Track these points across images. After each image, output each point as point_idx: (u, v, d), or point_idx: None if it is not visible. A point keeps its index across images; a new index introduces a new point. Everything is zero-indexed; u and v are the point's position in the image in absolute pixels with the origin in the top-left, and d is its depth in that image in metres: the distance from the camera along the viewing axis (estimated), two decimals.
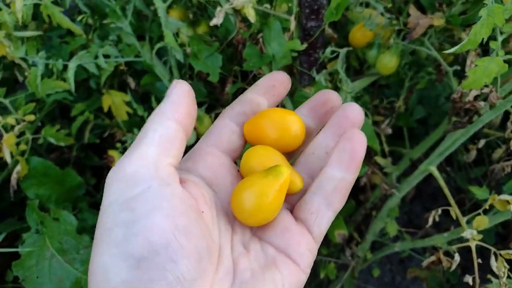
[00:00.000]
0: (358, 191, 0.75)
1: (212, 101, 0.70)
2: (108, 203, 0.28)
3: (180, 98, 0.31)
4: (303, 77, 0.56)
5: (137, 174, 0.28)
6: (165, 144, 0.30)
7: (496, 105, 0.46)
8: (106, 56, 0.67)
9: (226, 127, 0.36)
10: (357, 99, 0.69)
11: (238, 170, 0.36)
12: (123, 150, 0.70)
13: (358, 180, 0.68)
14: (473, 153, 0.71)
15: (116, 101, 0.74)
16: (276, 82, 0.37)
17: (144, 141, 0.29)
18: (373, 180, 0.73)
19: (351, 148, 0.32)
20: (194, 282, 0.26)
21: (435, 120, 0.85)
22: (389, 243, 0.68)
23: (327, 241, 0.66)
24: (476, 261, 0.46)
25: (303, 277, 0.32)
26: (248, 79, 0.61)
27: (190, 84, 0.65)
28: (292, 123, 0.34)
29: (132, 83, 0.73)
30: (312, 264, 0.33)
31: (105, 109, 0.74)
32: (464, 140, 0.54)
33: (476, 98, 0.48)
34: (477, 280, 0.45)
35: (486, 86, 0.48)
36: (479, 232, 0.51)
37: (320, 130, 0.36)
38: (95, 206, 0.86)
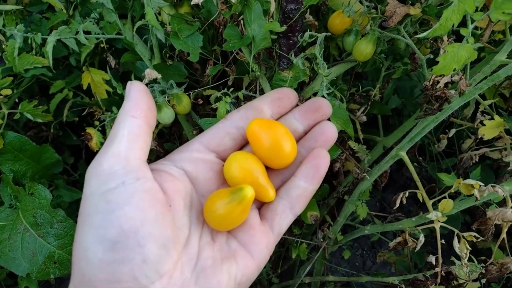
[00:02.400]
0: (332, 176, 0.77)
1: (192, 82, 0.71)
2: (89, 193, 0.32)
3: (138, 96, 0.35)
4: (282, 60, 0.56)
5: (112, 170, 0.32)
6: (133, 140, 0.34)
7: (465, 93, 0.48)
8: (87, 33, 0.67)
9: (223, 129, 0.40)
10: (333, 84, 0.71)
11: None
12: (102, 129, 0.70)
13: (332, 165, 0.69)
14: (444, 142, 0.74)
15: (95, 79, 0.74)
16: (283, 95, 0.42)
17: (116, 139, 0.34)
18: (347, 166, 0.75)
19: (317, 165, 0.38)
20: (157, 263, 0.31)
21: (409, 111, 0.87)
22: (360, 226, 0.69)
23: (300, 223, 0.68)
24: (440, 241, 0.48)
25: (257, 271, 0.37)
26: (228, 60, 0.62)
27: (170, 64, 0.65)
28: (288, 147, 0.38)
29: (112, 61, 0.73)
30: (267, 259, 0.38)
31: (84, 87, 0.74)
32: (437, 131, 0.56)
33: (446, 86, 0.49)
34: (440, 260, 0.47)
35: (457, 74, 0.50)
36: (447, 221, 0.53)
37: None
38: (73, 184, 0.86)
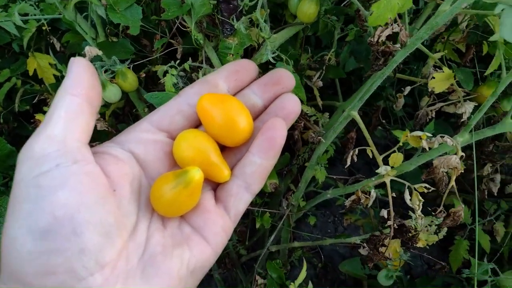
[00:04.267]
0: (294, 144, 0.77)
1: (140, 58, 0.69)
2: (19, 180, 0.29)
3: (80, 73, 0.32)
4: (225, 27, 0.55)
5: (45, 153, 0.29)
6: (71, 120, 0.31)
7: (406, 44, 0.47)
8: (25, 15, 0.64)
9: (175, 107, 0.37)
10: (283, 50, 0.70)
11: None
12: None
13: (291, 134, 0.69)
14: (401, 101, 0.74)
15: (41, 64, 0.72)
16: (241, 68, 0.39)
17: (52, 120, 0.31)
18: (306, 136, 0.75)
19: (271, 137, 0.35)
20: (98, 253, 0.29)
21: (367, 73, 0.87)
22: (323, 191, 0.70)
23: (261, 193, 0.68)
24: (391, 195, 0.48)
25: (213, 256, 0.35)
26: (172, 32, 0.60)
27: (115, 41, 0.63)
28: (242, 122, 0.35)
29: (57, 44, 0.71)
30: (225, 243, 0.36)
31: (30, 72, 0.72)
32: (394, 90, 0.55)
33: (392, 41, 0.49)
34: (392, 213, 0.48)
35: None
36: (408, 178, 0.53)
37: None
38: None
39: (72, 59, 0.33)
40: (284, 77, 0.38)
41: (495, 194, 0.74)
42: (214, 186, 0.37)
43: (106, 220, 0.30)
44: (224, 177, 0.35)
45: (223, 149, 0.38)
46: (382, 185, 0.54)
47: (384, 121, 1.00)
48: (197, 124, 0.38)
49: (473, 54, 0.79)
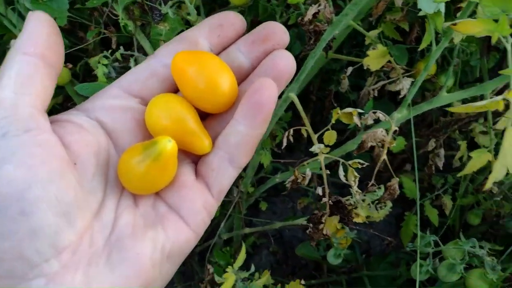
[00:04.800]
0: None
1: (78, 52, 0.67)
2: None
3: (36, 29, 0.28)
4: (154, 13, 0.54)
5: None
6: (24, 83, 0.27)
7: (332, 21, 0.47)
8: None
9: (148, 69, 0.32)
10: None
11: None
12: None
13: None
14: (345, 83, 0.74)
15: None
16: (225, 21, 0.32)
17: (0, 83, 0.26)
18: None
19: (258, 101, 0.29)
20: (55, 235, 0.25)
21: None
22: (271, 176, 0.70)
23: None
24: (325, 172, 0.48)
25: (193, 239, 0.30)
26: (103, 21, 0.59)
27: None
28: (224, 83, 0.30)
29: None
30: (208, 224, 0.31)
31: None
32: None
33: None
34: (327, 190, 0.48)
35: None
36: (358, 157, 0.53)
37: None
38: None
39: (30, 12, 0.29)
40: (276, 31, 0.32)
41: (441, 168, 0.76)
42: (195, 159, 0.33)
43: (63, 197, 0.25)
44: (204, 148, 0.31)
45: (205, 117, 0.33)
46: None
47: (335, 104, 1.01)
48: (175, 89, 0.33)
49: (418, 33, 0.80)
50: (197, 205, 0.30)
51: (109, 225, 0.28)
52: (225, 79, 0.31)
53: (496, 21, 0.35)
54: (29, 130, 0.26)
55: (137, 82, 0.32)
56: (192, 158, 0.33)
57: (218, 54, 0.33)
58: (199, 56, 0.31)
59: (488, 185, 0.37)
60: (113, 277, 0.26)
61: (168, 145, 0.28)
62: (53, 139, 0.27)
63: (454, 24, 0.37)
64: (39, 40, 0.28)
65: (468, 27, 0.35)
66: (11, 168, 0.24)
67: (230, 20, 0.32)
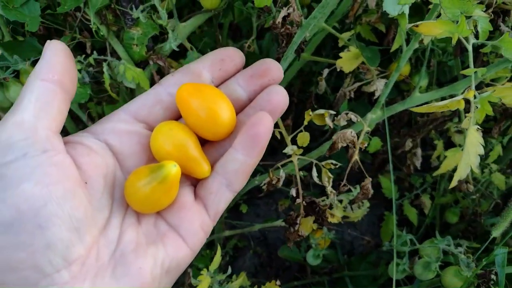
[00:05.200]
0: None
1: None
2: None
3: (54, 57, 0.30)
4: (126, 17, 0.54)
5: (11, 141, 0.27)
6: (42, 107, 0.29)
7: (302, 24, 0.48)
8: None
9: (154, 96, 0.35)
10: (198, 39, 0.69)
11: None
12: None
13: None
14: (322, 84, 0.75)
15: None
16: (226, 57, 0.35)
17: (21, 106, 0.29)
18: None
19: (256, 133, 0.32)
20: (65, 249, 0.27)
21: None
22: (251, 179, 0.70)
23: None
24: (298, 173, 0.48)
25: (189, 256, 0.33)
26: (76, 26, 0.58)
27: (22, 41, 0.60)
28: (224, 114, 0.33)
29: None
30: (203, 243, 0.34)
31: None
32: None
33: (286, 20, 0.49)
34: (300, 191, 0.48)
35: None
36: (334, 158, 0.54)
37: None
38: None
39: (48, 42, 0.31)
40: (272, 68, 0.35)
41: (419, 168, 0.77)
42: (194, 181, 0.35)
43: (75, 214, 0.28)
44: (203, 173, 0.33)
45: (204, 143, 0.36)
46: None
47: (316, 106, 1.01)
48: (178, 116, 0.36)
49: (395, 35, 0.81)
50: (195, 225, 0.32)
51: (114, 241, 0.31)
52: (225, 111, 0.33)
53: (457, 22, 0.36)
54: (46, 151, 0.28)
55: (143, 108, 0.34)
56: (191, 180, 0.35)
57: (218, 85, 0.36)
58: (201, 88, 0.34)
59: (454, 183, 0.38)
60: None
61: (173, 170, 0.30)
62: (67, 160, 0.29)
63: (417, 26, 0.38)
64: (57, 67, 0.30)
65: (430, 29, 0.36)
66: (30, 186, 0.27)
67: (230, 56, 0.36)
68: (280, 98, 0.34)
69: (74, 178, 0.29)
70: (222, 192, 0.34)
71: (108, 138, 0.33)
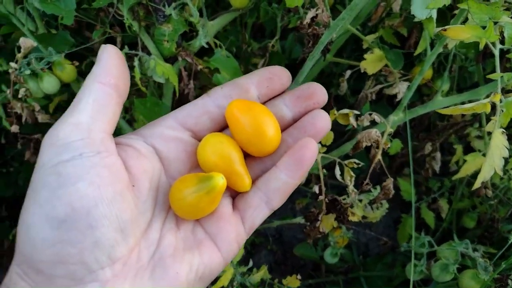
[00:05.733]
0: None
1: (84, 51, 0.69)
2: (40, 165, 0.29)
3: (110, 61, 0.32)
4: (158, 14, 0.56)
5: (68, 140, 0.29)
6: (98, 110, 0.31)
7: (329, 25, 0.49)
8: None
9: (202, 107, 0.36)
10: (222, 37, 0.71)
11: None
12: None
13: None
14: (343, 86, 0.76)
15: None
16: (274, 75, 0.37)
17: (78, 107, 0.30)
18: None
19: (301, 157, 0.33)
20: (111, 248, 0.29)
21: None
22: None
23: None
24: (322, 171, 0.49)
25: (222, 265, 0.34)
26: (109, 21, 0.60)
27: (55, 34, 0.62)
28: (271, 133, 0.34)
29: None
30: (236, 254, 0.35)
31: None
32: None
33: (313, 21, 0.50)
34: (323, 188, 0.49)
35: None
36: (357, 157, 0.55)
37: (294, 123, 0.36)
38: None
39: (102, 46, 0.32)
40: (318, 92, 0.36)
41: (437, 171, 0.77)
42: (233, 193, 0.36)
43: (122, 216, 0.29)
44: (245, 187, 0.35)
45: (246, 157, 0.37)
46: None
47: (334, 107, 1.02)
48: (222, 127, 0.37)
49: (416, 38, 0.81)
50: (231, 236, 0.34)
51: (154, 244, 0.32)
52: (271, 130, 0.35)
53: (484, 27, 0.37)
54: (99, 153, 0.30)
55: (191, 117, 0.36)
56: (231, 192, 0.36)
57: (264, 102, 0.37)
58: (251, 106, 0.35)
59: (477, 184, 0.39)
60: None
61: (220, 182, 0.31)
62: (118, 163, 0.31)
63: (445, 30, 0.38)
64: (113, 71, 0.32)
65: (457, 33, 0.37)
66: (84, 185, 0.28)
67: (278, 75, 0.37)
68: (324, 123, 0.36)
69: (124, 180, 0.31)
70: (261, 208, 0.35)
71: (156, 143, 0.35)
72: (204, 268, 0.33)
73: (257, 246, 0.95)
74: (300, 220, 0.62)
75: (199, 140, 0.36)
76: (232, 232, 0.34)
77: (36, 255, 0.28)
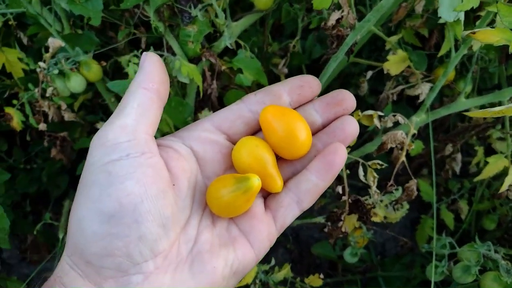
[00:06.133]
0: None
1: (107, 51, 0.70)
2: (91, 164, 0.31)
3: (152, 68, 0.34)
4: (183, 15, 0.57)
5: (117, 141, 0.31)
6: (142, 113, 0.33)
7: (355, 27, 0.49)
8: None
9: (237, 111, 0.38)
10: (246, 38, 0.71)
11: None
12: (20, 107, 0.69)
13: None
14: (364, 86, 0.76)
15: (10, 59, 0.72)
16: (305, 83, 0.38)
17: (125, 111, 0.33)
18: None
19: (331, 161, 0.35)
20: (154, 242, 0.31)
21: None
22: None
23: None
24: (345, 172, 0.50)
25: (254, 261, 0.36)
26: (134, 21, 0.61)
27: (80, 34, 0.64)
28: (303, 138, 0.36)
29: (24, 38, 0.72)
30: (267, 251, 0.37)
31: None
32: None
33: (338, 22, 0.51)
34: (346, 189, 0.49)
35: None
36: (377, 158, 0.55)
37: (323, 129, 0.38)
38: (8, 170, 0.85)
39: (144, 54, 0.35)
40: (347, 99, 0.38)
41: (457, 173, 0.77)
42: (265, 194, 0.38)
43: (164, 212, 0.32)
44: (277, 188, 0.36)
45: (277, 159, 0.38)
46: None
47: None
48: (255, 131, 0.39)
49: (437, 40, 0.81)
50: (263, 234, 0.35)
51: (192, 239, 0.34)
52: (303, 135, 0.36)
53: None
54: (144, 153, 0.32)
55: (226, 121, 0.38)
56: (263, 193, 0.37)
57: (295, 108, 0.39)
58: (285, 112, 0.36)
59: (504, 187, 0.39)
60: (193, 283, 0.32)
61: (256, 182, 0.33)
62: (161, 163, 0.33)
63: (473, 33, 0.38)
64: (155, 78, 0.34)
65: (487, 36, 0.37)
66: (131, 183, 0.31)
67: (309, 83, 0.38)
68: (352, 129, 0.37)
69: (166, 179, 0.33)
70: (292, 207, 0.36)
71: (194, 145, 0.37)
72: (238, 263, 0.34)
73: (274, 245, 0.96)
74: (320, 219, 0.63)
75: (233, 142, 0.38)
76: (265, 230, 0.35)
77: (87, 248, 0.30)
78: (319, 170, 0.35)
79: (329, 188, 0.79)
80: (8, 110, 0.68)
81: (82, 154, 0.88)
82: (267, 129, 0.36)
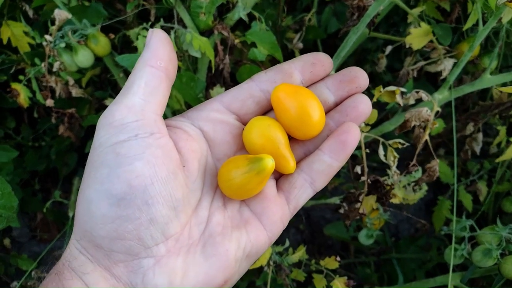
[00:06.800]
0: None
1: (115, 24, 0.67)
2: (98, 145, 0.30)
3: (159, 45, 0.32)
4: None
5: (124, 122, 0.30)
6: (150, 92, 0.32)
7: None
8: None
9: (247, 91, 0.36)
10: (260, 10, 0.68)
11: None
12: (27, 83, 0.67)
13: None
14: (383, 62, 0.73)
15: (15, 32, 0.70)
16: (317, 61, 0.37)
17: (132, 90, 0.31)
18: None
19: (344, 140, 0.34)
20: (165, 225, 0.30)
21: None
22: None
23: None
24: (364, 151, 0.47)
25: (267, 243, 0.35)
26: None
27: (88, 6, 0.61)
28: (316, 117, 0.34)
29: (30, 11, 0.69)
30: (280, 233, 0.36)
31: (4, 41, 0.70)
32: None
33: None
34: (366, 169, 0.47)
35: None
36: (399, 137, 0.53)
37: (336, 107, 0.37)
38: (16, 147, 0.84)
39: (150, 31, 0.33)
40: (360, 76, 0.36)
41: (478, 153, 0.74)
42: (277, 175, 0.37)
43: (175, 194, 0.31)
44: (289, 169, 0.35)
45: (290, 140, 0.37)
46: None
47: (370, 85, 0.99)
48: (266, 111, 0.38)
49: (459, 13, 0.77)
50: (276, 216, 0.34)
51: (203, 222, 0.33)
52: (316, 114, 0.34)
53: None
54: (153, 133, 0.31)
55: (236, 101, 0.36)
56: (275, 174, 0.36)
57: (307, 87, 0.37)
58: (297, 90, 0.35)
59: None
60: (206, 266, 0.31)
61: (270, 163, 0.32)
62: (170, 143, 0.32)
63: (510, 1, 0.35)
64: (163, 55, 0.32)
65: None
66: (141, 165, 0.29)
67: (321, 61, 0.37)
68: (365, 107, 0.35)
69: (176, 160, 0.32)
70: (305, 188, 0.35)
71: (203, 125, 0.35)
72: (251, 246, 0.33)
73: (287, 226, 0.94)
74: (335, 200, 0.61)
75: (244, 123, 0.36)
76: (278, 211, 0.34)
77: (96, 231, 0.29)
78: (332, 150, 0.34)
79: (343, 168, 0.77)
80: (15, 85, 0.67)
81: (90, 131, 0.86)
82: (279, 108, 0.35)
